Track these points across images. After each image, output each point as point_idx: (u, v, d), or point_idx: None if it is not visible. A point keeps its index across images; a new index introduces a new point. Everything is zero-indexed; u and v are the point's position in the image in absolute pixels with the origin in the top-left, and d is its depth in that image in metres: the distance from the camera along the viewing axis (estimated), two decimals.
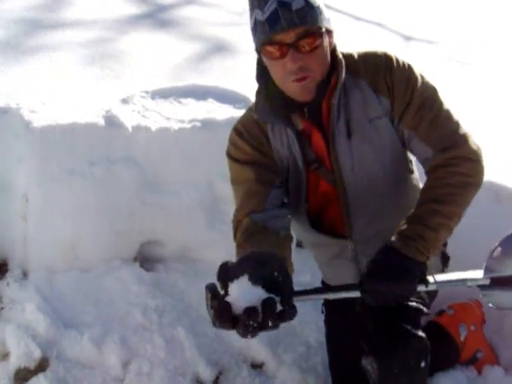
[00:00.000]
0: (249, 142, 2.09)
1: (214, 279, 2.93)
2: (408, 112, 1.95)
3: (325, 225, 2.18)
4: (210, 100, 3.34)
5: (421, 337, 2.02)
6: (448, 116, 1.96)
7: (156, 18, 5.03)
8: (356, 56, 2.01)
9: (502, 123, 4.16)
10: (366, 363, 2.02)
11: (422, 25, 6.69)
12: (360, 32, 5.90)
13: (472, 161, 1.91)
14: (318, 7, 1.87)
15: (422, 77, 1.99)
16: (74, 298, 2.79)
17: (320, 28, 1.86)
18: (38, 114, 2.93)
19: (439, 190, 1.91)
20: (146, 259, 3.09)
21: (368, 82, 1.98)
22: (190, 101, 3.32)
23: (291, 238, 2.05)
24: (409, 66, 1.97)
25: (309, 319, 2.92)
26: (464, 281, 1.96)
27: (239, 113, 3.15)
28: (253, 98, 2.68)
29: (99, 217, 2.91)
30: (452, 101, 3.82)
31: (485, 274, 1.97)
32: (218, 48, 4.51)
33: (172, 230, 3.05)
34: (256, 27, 1.87)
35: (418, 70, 1.98)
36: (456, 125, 1.95)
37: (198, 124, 3.06)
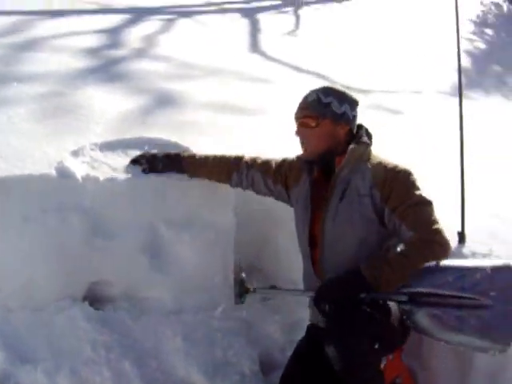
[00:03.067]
0: (289, 163, 3.10)
1: (158, 317, 3.21)
2: (401, 207, 2.65)
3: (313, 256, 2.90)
4: (154, 151, 3.50)
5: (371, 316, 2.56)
6: (431, 212, 2.66)
7: (107, 71, 5.18)
8: (379, 156, 2.88)
9: (430, 169, 4.47)
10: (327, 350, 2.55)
11: (357, 75, 7.03)
12: (300, 82, 6.20)
13: (442, 246, 2.58)
14: (328, 103, 2.79)
15: (416, 181, 2.75)
16: (28, 334, 2.94)
17: (318, 116, 2.78)
18: None
19: (408, 250, 2.60)
20: (94, 298, 3.23)
21: (372, 173, 2.75)
22: (136, 152, 3.50)
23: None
24: (410, 174, 2.75)
25: (243, 351, 3.20)
26: (389, 295, 2.44)
27: None
28: (194, 149, 3.27)
29: (51, 260, 3.06)
30: (382, 148, 4.22)
31: (403, 289, 2.43)
32: (166, 101, 4.69)
33: (119, 271, 3.22)
34: None
35: (415, 177, 2.77)
36: (435, 220, 2.63)
37: (143, 174, 3.28)
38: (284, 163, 3.14)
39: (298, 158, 3.03)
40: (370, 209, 2.75)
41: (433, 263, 2.55)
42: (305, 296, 2.93)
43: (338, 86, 3.03)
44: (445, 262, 2.56)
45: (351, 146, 2.83)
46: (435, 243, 2.58)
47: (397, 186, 2.72)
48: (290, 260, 3.50)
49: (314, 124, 2.81)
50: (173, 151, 3.37)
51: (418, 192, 2.73)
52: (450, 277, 2.49)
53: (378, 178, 2.76)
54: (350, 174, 2.82)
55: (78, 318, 3.06)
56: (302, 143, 2.88)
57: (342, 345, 2.50)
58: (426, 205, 2.70)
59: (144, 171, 3.28)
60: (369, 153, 2.89)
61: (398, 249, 2.76)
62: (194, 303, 3.33)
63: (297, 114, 2.88)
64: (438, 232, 2.60)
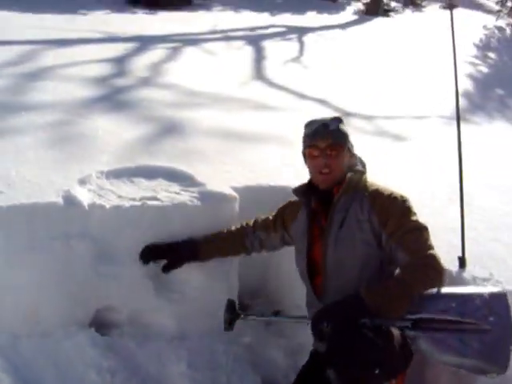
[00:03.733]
0: (286, 206, 3.25)
1: (163, 342, 3.25)
2: (398, 233, 2.73)
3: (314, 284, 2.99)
4: (159, 179, 3.61)
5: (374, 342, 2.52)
6: (426, 238, 2.74)
7: (113, 100, 5.28)
8: (375, 183, 2.97)
9: (432, 194, 4.52)
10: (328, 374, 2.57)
11: (361, 101, 7.10)
12: (305, 109, 6.28)
13: (437, 271, 2.64)
14: (345, 134, 2.95)
15: (412, 207, 2.83)
16: (35, 359, 3.00)
17: (342, 145, 2.91)
18: (3, 195, 3.18)
19: (404, 275, 2.66)
20: (100, 324, 3.28)
21: (369, 200, 2.84)
22: (141, 180, 3.58)
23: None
24: (406, 200, 2.84)
25: (247, 376, 3.26)
26: (393, 321, 2.49)
27: (184, 190, 3.52)
28: (197, 177, 3.32)
29: (58, 287, 3.12)
30: (385, 174, 4.28)
31: (407, 315, 2.51)
32: (170, 129, 4.76)
33: (124, 297, 3.27)
34: (304, 138, 2.99)
35: (411, 203, 2.86)
36: (431, 245, 2.71)
37: (147, 201, 3.31)
38: (279, 210, 3.28)
39: (296, 190, 3.12)
40: (369, 234, 2.82)
41: (435, 290, 2.61)
42: (301, 322, 2.97)
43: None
44: (447, 289, 2.63)
45: (348, 175, 2.92)
46: (430, 268, 2.64)
47: (394, 212, 2.79)
48: (292, 285, 3.54)
49: (340, 151, 2.92)
50: (186, 241, 3.33)
51: (413, 218, 2.80)
52: (454, 303, 2.55)
53: (375, 204, 2.84)
54: (348, 202, 2.89)
55: (85, 343, 3.12)
56: (326, 167, 2.90)
57: (342, 369, 2.53)
58: (421, 230, 2.77)
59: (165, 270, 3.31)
60: (364, 180, 2.98)
61: (395, 274, 2.81)
62: (198, 328, 3.38)
63: (319, 140, 2.90)
64: (433, 257, 2.66)
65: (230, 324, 2.94)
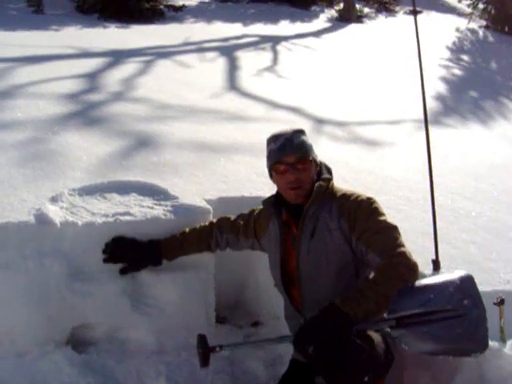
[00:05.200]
0: (256, 214, 3.24)
1: (141, 358, 3.23)
2: (366, 234, 2.76)
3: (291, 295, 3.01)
4: (132, 194, 3.60)
5: (363, 350, 2.55)
6: (395, 236, 2.76)
7: (85, 116, 5.26)
8: (342, 189, 3.00)
9: (408, 199, 4.55)
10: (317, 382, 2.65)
11: (334, 108, 7.15)
12: (278, 118, 6.32)
13: (408, 268, 2.65)
14: (310, 146, 2.96)
15: (379, 208, 2.85)
16: (11, 379, 2.97)
17: (310, 157, 2.93)
18: None
19: (378, 277, 2.67)
20: (77, 342, 3.26)
21: (337, 206, 2.87)
22: (114, 196, 3.57)
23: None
24: (372, 202, 2.86)
25: None
26: (377, 324, 2.61)
27: (157, 204, 3.51)
28: (171, 191, 3.34)
29: (32, 305, 3.09)
30: (358, 180, 4.31)
31: (389, 315, 2.57)
32: (142, 143, 4.76)
33: (100, 314, 3.25)
34: (270, 154, 2.96)
35: (379, 203, 2.88)
36: (400, 243, 2.73)
37: (120, 217, 3.31)
38: (250, 217, 3.27)
39: (266, 202, 3.12)
40: (341, 241, 2.84)
41: (410, 286, 2.63)
42: (281, 343, 2.95)
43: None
44: (420, 283, 2.65)
45: (317, 184, 2.93)
46: (402, 266, 2.65)
47: (360, 215, 2.81)
48: (270, 296, 3.55)
49: (309, 164, 2.93)
50: (149, 241, 3.31)
51: (381, 218, 2.82)
52: (431, 294, 2.58)
53: (343, 209, 2.86)
54: (318, 210, 2.90)
55: (61, 362, 3.09)
56: (297, 183, 2.90)
57: (334, 379, 2.54)
58: (389, 230, 2.78)
59: (123, 272, 3.30)
60: (332, 187, 2.99)
61: (370, 276, 2.82)
62: (176, 343, 3.36)
63: (287, 155, 2.89)
64: (403, 254, 2.68)
65: (204, 360, 2.79)
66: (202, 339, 2.82)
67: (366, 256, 2.77)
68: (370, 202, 2.86)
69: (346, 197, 2.91)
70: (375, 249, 2.73)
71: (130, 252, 3.26)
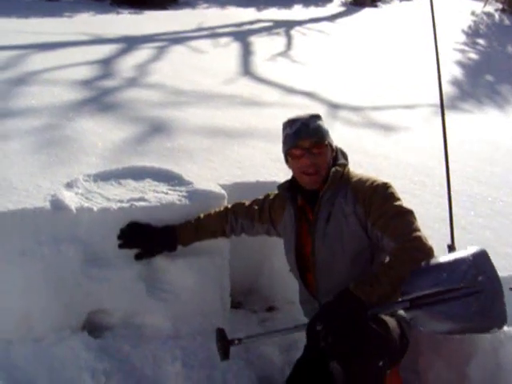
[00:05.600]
0: (271, 199, 3.23)
1: (157, 343, 3.25)
2: (381, 219, 2.74)
3: (306, 281, 3.02)
4: (147, 180, 3.60)
5: (379, 335, 2.56)
6: (411, 221, 2.73)
7: (99, 102, 5.27)
8: (357, 174, 2.98)
9: (423, 184, 4.52)
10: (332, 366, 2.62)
11: (350, 92, 7.11)
12: (292, 103, 6.30)
13: (424, 253, 2.63)
14: (327, 131, 2.94)
15: (395, 193, 2.83)
16: (28, 365, 2.99)
17: (326, 142, 2.90)
18: None
19: (392, 261, 2.65)
20: (93, 327, 3.28)
21: (353, 191, 2.85)
22: (129, 181, 3.58)
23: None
24: (388, 186, 2.83)
25: (242, 373, 3.26)
26: (391, 306, 2.61)
27: (172, 189, 3.51)
28: (185, 176, 3.33)
29: (49, 291, 3.11)
30: (373, 165, 4.28)
31: (402, 296, 2.56)
32: (157, 129, 4.76)
33: (116, 299, 3.26)
34: (286, 139, 2.95)
35: (395, 188, 2.83)
36: (416, 228, 2.70)
37: (135, 203, 3.31)
38: (265, 203, 3.26)
39: (281, 187, 3.10)
40: (357, 226, 2.82)
41: (423, 266, 2.61)
42: (298, 332, 2.87)
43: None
44: (433, 262, 2.63)
45: (333, 170, 2.91)
46: (417, 250, 2.63)
47: (375, 200, 2.79)
48: (285, 281, 3.54)
49: (325, 149, 2.92)
50: (164, 227, 3.31)
51: (396, 203, 2.80)
52: (444, 273, 2.57)
53: (358, 194, 2.84)
54: (333, 195, 2.89)
55: (78, 347, 3.11)
56: (312, 168, 2.88)
57: (347, 361, 2.54)
58: (405, 214, 2.76)
59: (138, 258, 3.30)
60: (347, 172, 2.97)
61: (385, 261, 2.81)
62: (191, 328, 3.37)
63: (303, 139, 2.88)
64: (419, 239, 2.66)
65: (225, 353, 2.84)
66: (220, 333, 2.86)
67: (382, 241, 2.76)
68: (385, 186, 2.84)
69: (362, 182, 2.89)
70: (391, 233, 2.71)
71: (145, 238, 3.26)
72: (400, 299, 2.61)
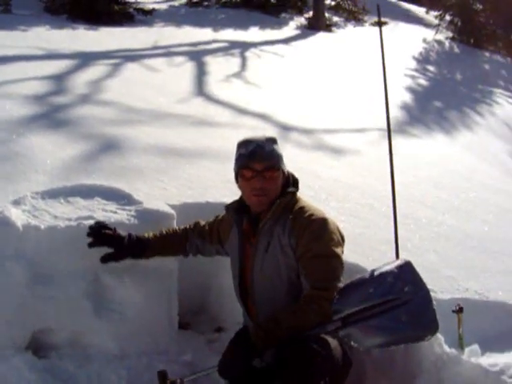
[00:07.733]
0: (219, 220, 3.24)
1: (102, 362, 3.20)
2: (305, 256, 2.77)
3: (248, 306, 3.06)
4: (96, 198, 3.59)
5: (319, 354, 2.58)
6: (334, 267, 2.77)
7: (50, 118, 5.19)
8: (303, 203, 2.97)
9: (371, 206, 4.58)
10: None
11: (301, 115, 7.17)
12: (245, 124, 6.33)
13: (330, 303, 2.61)
14: (280, 156, 2.95)
15: (330, 232, 2.83)
16: None
17: (278, 167, 2.90)
18: None
19: (298, 305, 2.72)
20: (38, 347, 3.23)
21: (291, 221, 2.85)
22: (78, 200, 3.55)
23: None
24: (325, 223, 2.85)
25: None
26: (324, 328, 2.64)
27: (121, 208, 3.50)
28: (135, 195, 3.32)
29: None
30: (323, 188, 4.31)
31: (334, 316, 2.60)
32: (108, 147, 4.72)
33: (62, 318, 3.23)
34: (239, 158, 2.93)
35: (334, 228, 2.84)
36: (334, 276, 2.74)
37: (84, 221, 3.28)
38: (214, 223, 3.28)
39: (228, 208, 3.11)
40: (292, 258, 2.85)
41: (349, 284, 2.66)
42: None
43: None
44: (359, 279, 2.67)
45: (277, 201, 2.91)
46: (324, 300, 2.66)
47: (306, 234, 2.81)
48: (233, 302, 3.52)
49: (276, 174, 2.92)
50: (130, 234, 3.24)
51: (328, 243, 2.81)
52: (371, 288, 2.61)
53: (295, 226, 2.85)
54: (273, 225, 2.91)
55: (22, 367, 3.06)
56: (261, 191, 2.89)
57: (289, 381, 2.57)
58: (329, 257, 2.79)
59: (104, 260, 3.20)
60: (294, 201, 2.97)
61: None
62: (138, 348, 3.36)
63: (256, 162, 2.88)
64: (330, 289, 2.68)
65: None
66: (162, 376, 2.72)
67: (301, 277, 2.81)
68: (321, 222, 2.86)
69: (302, 213, 2.90)
70: (308, 274, 2.76)
71: (114, 239, 3.17)
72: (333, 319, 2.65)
